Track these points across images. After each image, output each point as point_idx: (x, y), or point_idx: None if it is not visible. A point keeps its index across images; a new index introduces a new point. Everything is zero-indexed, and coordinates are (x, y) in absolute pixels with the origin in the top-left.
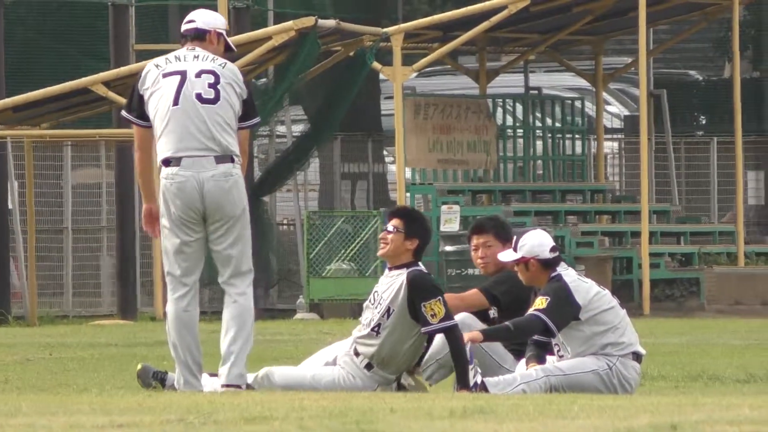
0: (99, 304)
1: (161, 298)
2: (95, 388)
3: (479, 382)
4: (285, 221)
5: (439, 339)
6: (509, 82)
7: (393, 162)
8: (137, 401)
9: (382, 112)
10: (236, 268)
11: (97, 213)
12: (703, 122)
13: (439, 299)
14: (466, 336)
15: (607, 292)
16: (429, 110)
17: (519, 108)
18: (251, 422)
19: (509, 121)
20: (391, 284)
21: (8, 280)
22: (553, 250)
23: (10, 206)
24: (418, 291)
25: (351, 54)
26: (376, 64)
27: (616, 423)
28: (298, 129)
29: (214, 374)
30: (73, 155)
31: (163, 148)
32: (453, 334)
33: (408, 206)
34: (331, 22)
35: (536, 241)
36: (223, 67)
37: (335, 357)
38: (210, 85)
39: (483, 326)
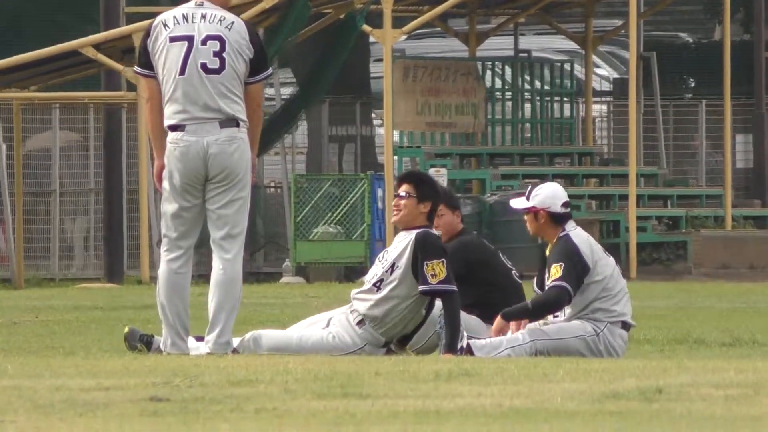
0: (85, 267)
1: (148, 262)
2: (81, 351)
3: (465, 345)
4: (272, 184)
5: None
6: (499, 45)
7: (381, 125)
8: (123, 364)
9: (371, 75)
10: (230, 229)
11: (85, 176)
12: (693, 85)
13: (443, 261)
14: (492, 330)
15: (611, 259)
16: (418, 73)
17: (508, 71)
18: (237, 385)
19: (498, 83)
20: (400, 242)
21: None
22: (565, 205)
23: None
24: (424, 248)
25: (341, 17)
26: (365, 27)
27: (602, 386)
28: (286, 92)
29: (200, 338)
30: (62, 118)
31: (169, 114)
32: (450, 299)
33: (416, 170)
34: None
35: (550, 193)
36: (230, 29)
37: (329, 319)
38: (215, 54)
39: (485, 327)
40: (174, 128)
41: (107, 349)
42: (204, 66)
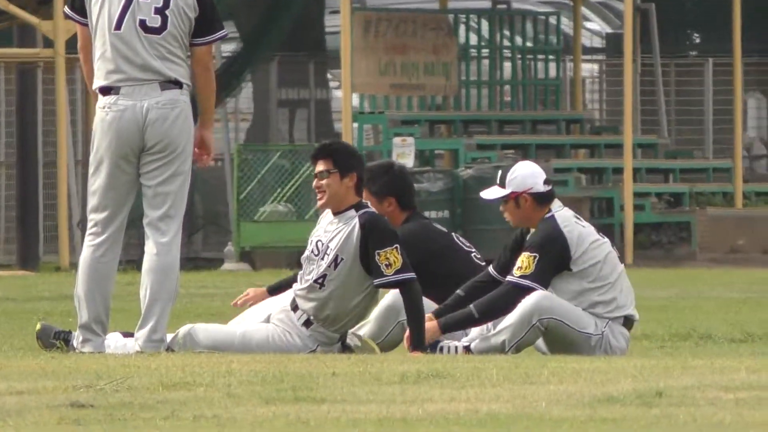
0: None
1: (67, 246)
2: None
3: (465, 346)
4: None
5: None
6: None
7: (338, 87)
8: (39, 364)
9: (327, 29)
10: (168, 208)
11: None
12: (697, 41)
13: (397, 248)
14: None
15: (606, 241)
16: (381, 27)
17: (485, 25)
18: (171, 389)
19: (473, 39)
20: (339, 230)
21: None
22: (547, 182)
23: None
24: (374, 236)
25: None
26: None
27: (594, 389)
28: (228, 48)
29: (129, 333)
30: None
31: (99, 74)
32: (410, 289)
33: (329, 141)
34: None
35: (528, 171)
36: None
37: (268, 315)
38: (157, 11)
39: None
40: (105, 91)
41: (20, 347)
42: (143, 23)
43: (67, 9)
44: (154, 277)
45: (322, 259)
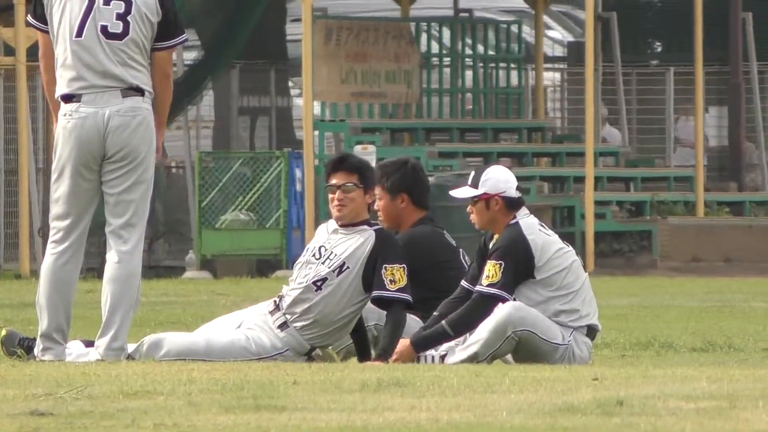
0: None
1: (28, 253)
2: None
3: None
4: (173, 164)
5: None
6: (436, 3)
7: (299, 95)
8: None
9: (288, 37)
10: (130, 217)
11: None
12: (659, 49)
13: (404, 267)
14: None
15: (570, 250)
16: (342, 35)
17: (446, 33)
18: (132, 397)
19: (435, 48)
20: (349, 239)
21: None
22: (518, 189)
23: None
24: (385, 250)
25: None
26: None
27: (554, 398)
28: (190, 57)
29: (89, 342)
30: None
31: (61, 83)
32: (401, 309)
33: (351, 155)
34: None
35: (502, 176)
36: None
37: (241, 322)
38: (119, 16)
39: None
40: (67, 98)
41: None
42: (104, 29)
43: (29, 17)
44: (116, 285)
45: (324, 263)
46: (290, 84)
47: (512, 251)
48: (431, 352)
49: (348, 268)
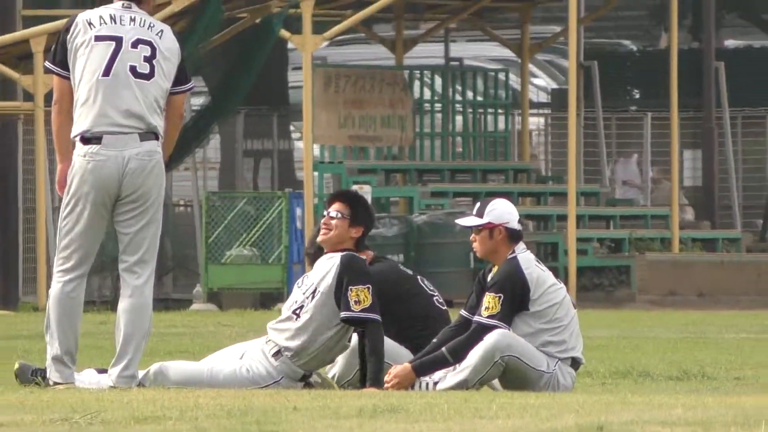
0: None
1: (45, 287)
2: None
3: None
4: (182, 202)
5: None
6: (428, 53)
7: (300, 138)
8: (18, 399)
9: (290, 84)
10: (143, 254)
11: None
12: (637, 96)
13: (369, 288)
14: (394, 373)
15: (562, 287)
16: (340, 82)
17: (438, 80)
18: (142, 422)
19: (427, 94)
20: (322, 266)
21: None
22: (519, 222)
23: None
24: (349, 272)
25: (257, 21)
26: (284, 32)
27: (539, 424)
28: (198, 102)
29: (102, 370)
30: None
31: (81, 121)
32: (373, 329)
33: (352, 190)
34: None
35: (507, 208)
36: (161, 37)
37: (243, 353)
38: (145, 59)
39: (408, 356)
40: (86, 140)
41: (0, 383)
42: (133, 69)
43: (47, 63)
44: (129, 316)
45: (303, 291)
46: (291, 128)
47: (510, 284)
48: (426, 379)
49: (320, 292)
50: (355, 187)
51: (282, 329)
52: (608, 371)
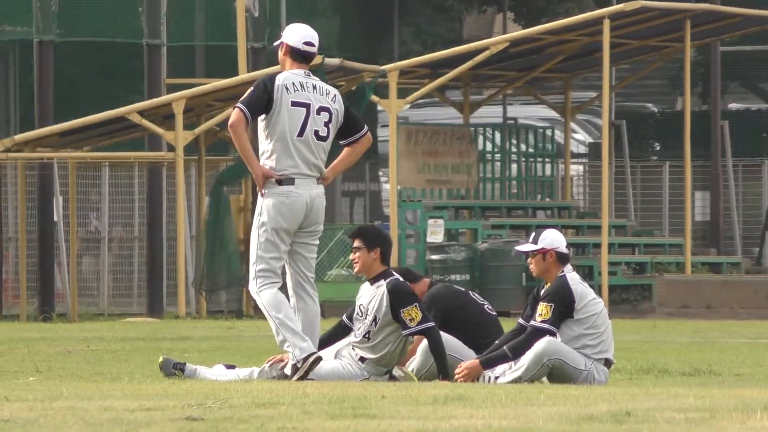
0: (130, 304)
1: (184, 299)
2: (126, 377)
3: (493, 378)
4: None
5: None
6: (489, 113)
7: (387, 181)
8: (163, 388)
9: (379, 138)
10: (313, 269)
11: (130, 225)
12: (657, 149)
13: (416, 305)
14: (465, 365)
15: (600, 301)
16: (419, 137)
17: (497, 135)
18: (261, 407)
19: (489, 146)
20: (373, 296)
21: (53, 283)
22: (567, 247)
23: (55, 218)
24: (398, 299)
25: (353, 88)
26: (374, 97)
27: (579, 410)
28: None
29: (230, 366)
30: (111, 174)
31: (278, 165)
32: (431, 335)
33: (362, 224)
34: (335, 61)
35: (556, 236)
36: (334, 102)
37: (337, 351)
38: (325, 124)
39: (472, 353)
40: (283, 182)
41: (149, 375)
42: (317, 133)
43: (241, 104)
44: (317, 321)
45: (365, 318)
46: (380, 173)
47: (560, 297)
48: (488, 373)
49: (380, 319)
50: (431, 221)
51: (361, 347)
52: (634, 368)
